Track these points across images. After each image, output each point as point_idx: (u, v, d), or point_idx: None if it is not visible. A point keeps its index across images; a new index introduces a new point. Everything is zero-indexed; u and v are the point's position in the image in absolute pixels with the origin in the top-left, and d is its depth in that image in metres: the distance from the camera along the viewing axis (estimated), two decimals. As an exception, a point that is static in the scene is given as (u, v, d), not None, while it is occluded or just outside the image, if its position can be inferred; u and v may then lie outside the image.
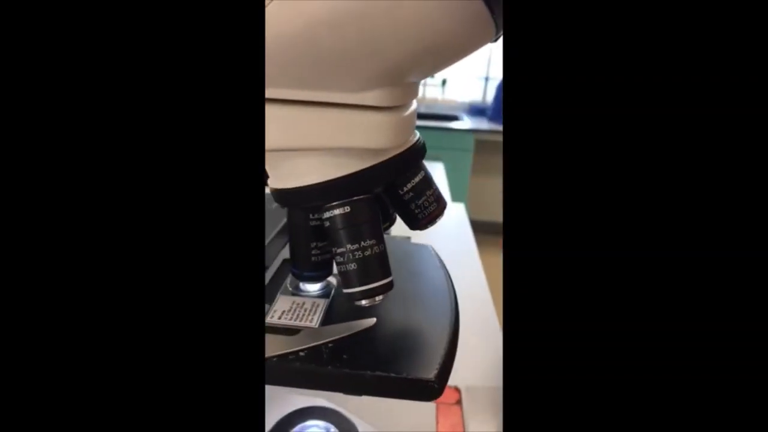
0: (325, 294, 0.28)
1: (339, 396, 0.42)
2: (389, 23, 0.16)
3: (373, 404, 0.44)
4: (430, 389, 0.21)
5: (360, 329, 0.24)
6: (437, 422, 0.46)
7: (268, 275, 0.29)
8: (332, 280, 0.29)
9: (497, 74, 2.46)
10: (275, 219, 0.33)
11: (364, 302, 0.23)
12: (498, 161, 2.35)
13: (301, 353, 0.22)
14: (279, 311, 0.26)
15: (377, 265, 0.23)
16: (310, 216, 0.25)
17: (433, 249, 0.35)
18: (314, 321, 0.25)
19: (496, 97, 2.35)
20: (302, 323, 0.25)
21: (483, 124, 2.28)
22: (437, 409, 0.48)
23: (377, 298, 0.23)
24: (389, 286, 0.23)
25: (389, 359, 0.23)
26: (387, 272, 0.23)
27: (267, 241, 0.29)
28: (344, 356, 0.22)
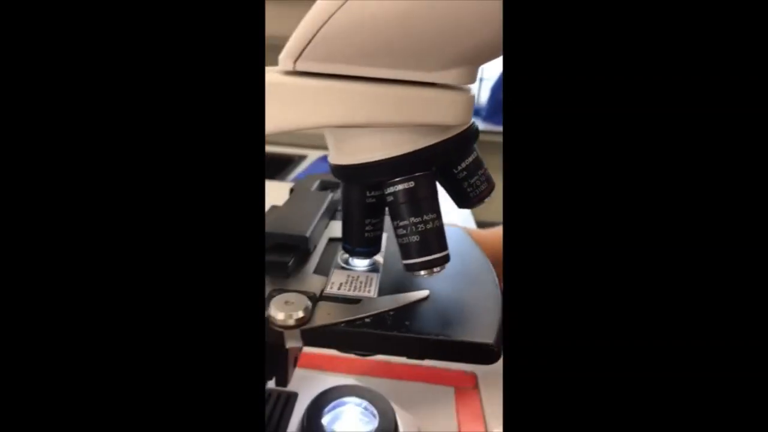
0: (373, 270, 0.29)
1: (364, 379, 0.44)
2: (479, 4, 0.18)
3: (395, 386, 0.46)
4: (490, 352, 0.23)
5: (416, 299, 0.26)
6: (456, 404, 0.47)
7: (317, 253, 0.30)
8: (378, 258, 0.30)
9: (491, 75, 2.49)
10: (318, 201, 0.34)
11: (422, 273, 0.24)
12: (492, 161, 2.36)
13: (366, 319, 0.24)
14: (336, 283, 0.27)
15: (436, 238, 0.24)
16: (367, 193, 0.27)
17: (464, 230, 0.37)
18: (372, 291, 0.26)
19: (491, 98, 2.38)
20: (361, 294, 0.26)
21: (477, 123, 2.30)
22: (456, 392, 0.49)
23: (435, 270, 0.24)
24: (447, 259, 0.25)
25: (449, 325, 0.24)
26: (444, 245, 0.25)
27: (314, 221, 0.31)
28: (406, 322, 0.24)
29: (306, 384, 0.40)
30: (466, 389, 0.50)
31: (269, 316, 0.23)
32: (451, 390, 0.49)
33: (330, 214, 0.36)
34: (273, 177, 1.04)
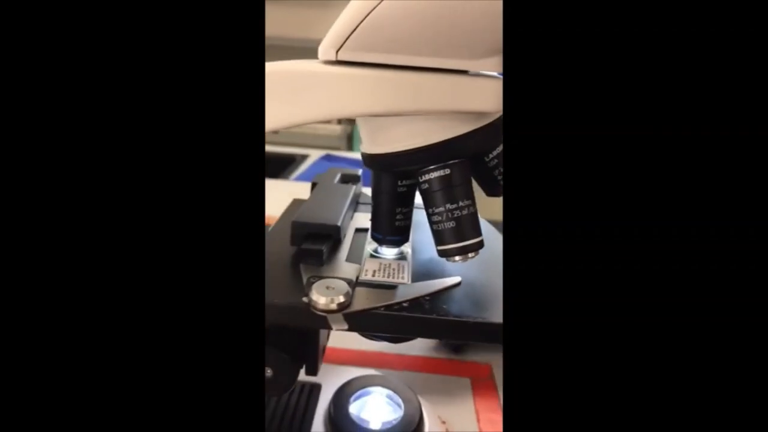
0: (401, 259, 0.30)
1: (381, 371, 0.44)
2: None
3: (412, 378, 0.46)
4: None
5: (449, 285, 0.26)
6: (473, 393, 0.48)
7: (347, 243, 0.31)
8: (405, 248, 0.31)
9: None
10: (343, 193, 0.35)
11: (457, 258, 0.25)
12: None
13: (404, 304, 0.24)
14: (370, 270, 0.27)
15: (471, 224, 0.25)
16: (399, 182, 0.27)
17: (485, 221, 0.37)
18: (405, 278, 0.27)
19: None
20: (395, 280, 0.27)
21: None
22: (472, 383, 0.50)
23: (470, 255, 0.25)
24: (481, 244, 0.25)
25: (484, 309, 0.25)
26: (479, 231, 0.25)
27: (343, 211, 0.31)
28: (444, 306, 0.24)
29: (327, 376, 0.41)
30: (482, 380, 0.51)
31: (311, 300, 0.23)
32: (467, 381, 0.50)
33: (353, 206, 0.36)
34: (275, 176, 1.04)
